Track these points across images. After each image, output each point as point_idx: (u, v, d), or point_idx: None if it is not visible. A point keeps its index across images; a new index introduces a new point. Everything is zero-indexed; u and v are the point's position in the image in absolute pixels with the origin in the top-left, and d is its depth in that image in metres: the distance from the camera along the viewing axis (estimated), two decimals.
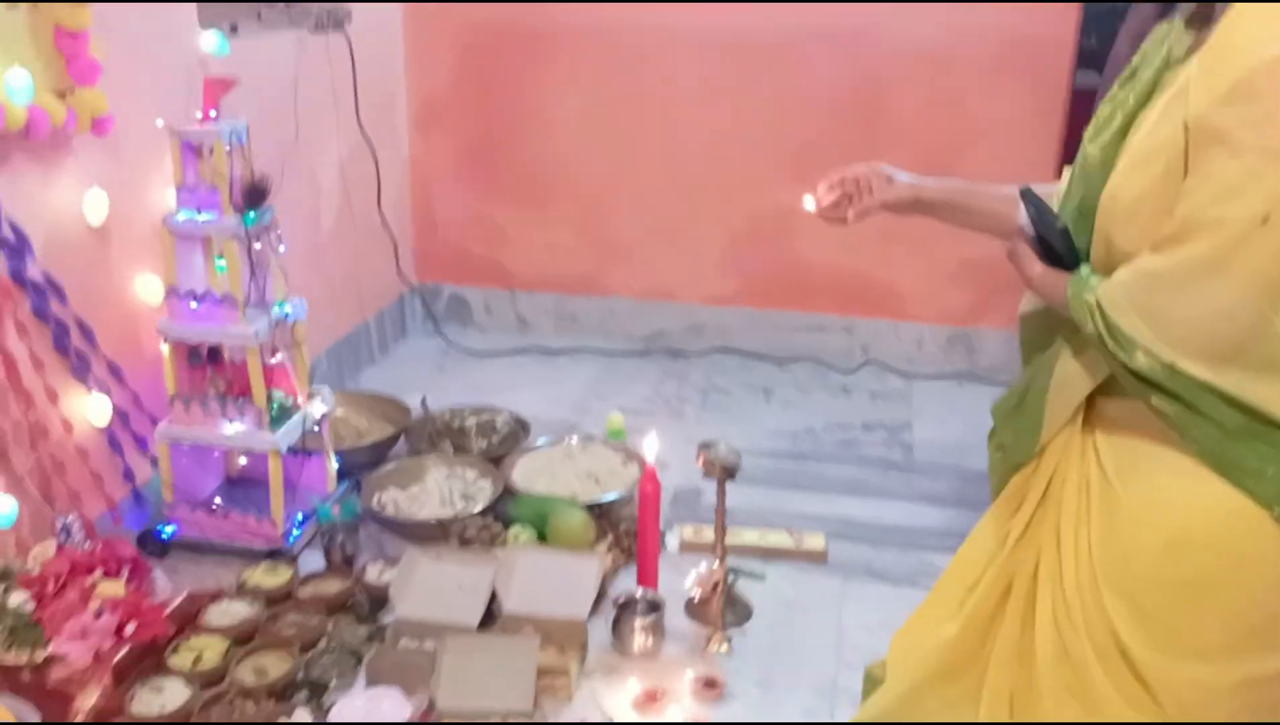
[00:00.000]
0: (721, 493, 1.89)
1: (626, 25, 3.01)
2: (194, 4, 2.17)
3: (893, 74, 2.93)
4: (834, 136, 3.00)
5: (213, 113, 1.96)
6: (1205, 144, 1.12)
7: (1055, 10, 2.79)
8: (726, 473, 1.86)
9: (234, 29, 2.41)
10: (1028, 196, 1.31)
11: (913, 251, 3.06)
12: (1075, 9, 2.78)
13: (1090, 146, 1.29)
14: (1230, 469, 1.18)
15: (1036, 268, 1.32)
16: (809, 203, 1.61)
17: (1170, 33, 1.26)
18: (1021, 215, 1.37)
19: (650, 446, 1.98)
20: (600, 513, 2.18)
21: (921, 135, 2.96)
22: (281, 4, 2.59)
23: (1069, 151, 2.89)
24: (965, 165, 2.91)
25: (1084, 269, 1.26)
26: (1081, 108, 2.94)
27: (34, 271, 1.81)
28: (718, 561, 1.90)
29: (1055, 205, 1.40)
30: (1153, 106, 1.23)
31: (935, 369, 3.16)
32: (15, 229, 1.76)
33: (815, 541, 2.18)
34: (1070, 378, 1.32)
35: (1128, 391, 1.24)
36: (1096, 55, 2.98)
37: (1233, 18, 1.14)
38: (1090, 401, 1.31)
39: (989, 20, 2.83)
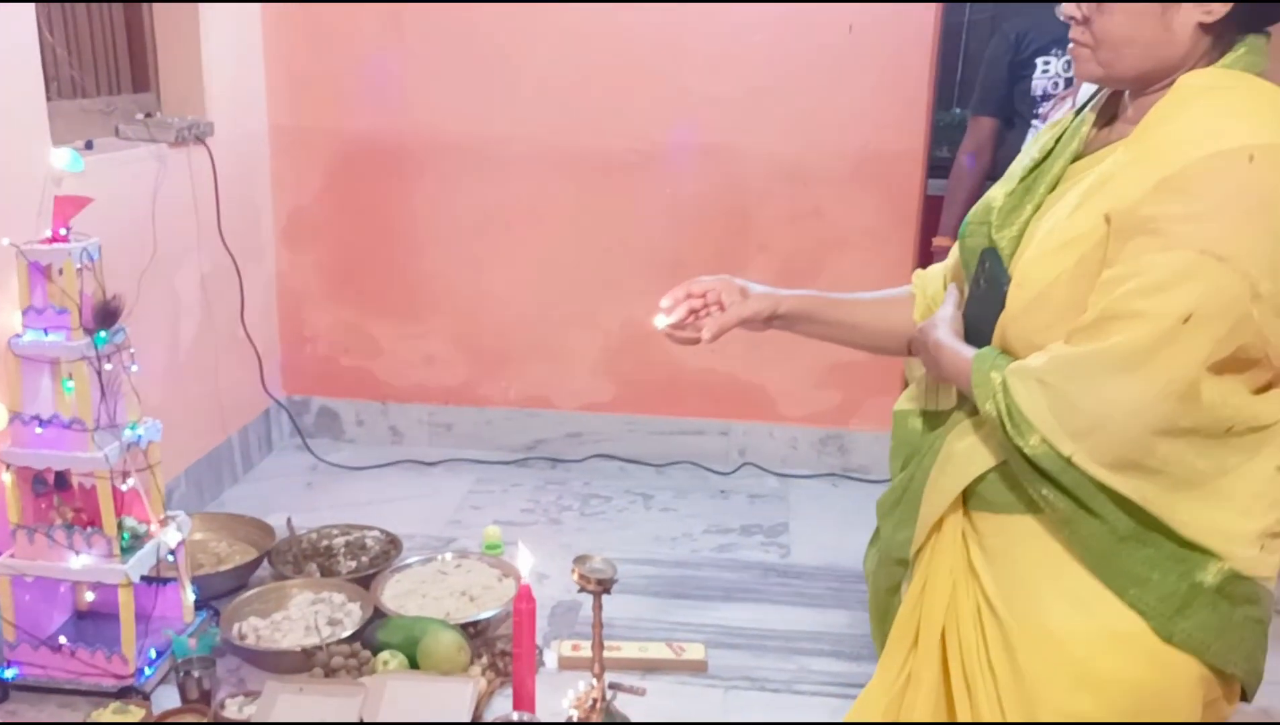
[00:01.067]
0: (598, 607, 1.86)
1: (494, 140, 3.05)
2: (45, 120, 2.11)
3: (756, 186, 3.04)
4: (702, 245, 3.08)
5: (63, 231, 1.90)
6: (1131, 234, 1.09)
7: (905, 125, 2.94)
8: (601, 587, 1.83)
9: (89, 145, 2.36)
10: (988, 257, 1.25)
11: (782, 354, 3.14)
12: (924, 123, 2.94)
13: (997, 236, 1.25)
14: (1115, 576, 1.15)
15: (946, 336, 1.28)
16: (660, 322, 1.51)
17: (1081, 126, 1.25)
18: (952, 292, 1.34)
19: (524, 561, 1.94)
20: (475, 632, 2.12)
21: (785, 244, 3.06)
22: (140, 118, 2.55)
23: (924, 255, 3.03)
24: (828, 271, 3.03)
25: (992, 348, 1.22)
26: (934, 214, 3.10)
27: None
28: (595, 679, 1.86)
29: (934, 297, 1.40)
30: (1061, 195, 1.21)
31: (810, 469, 3.21)
32: None
33: (695, 652, 2.16)
34: (955, 460, 1.28)
35: (1000, 504, 1.22)
36: (947, 164, 3.15)
37: (1167, 111, 1.13)
38: (969, 519, 1.28)
39: (844, 136, 2.97)
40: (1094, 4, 1.16)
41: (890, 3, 2.84)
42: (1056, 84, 2.62)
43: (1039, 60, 2.64)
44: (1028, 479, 1.16)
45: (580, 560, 1.87)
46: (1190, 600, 1.14)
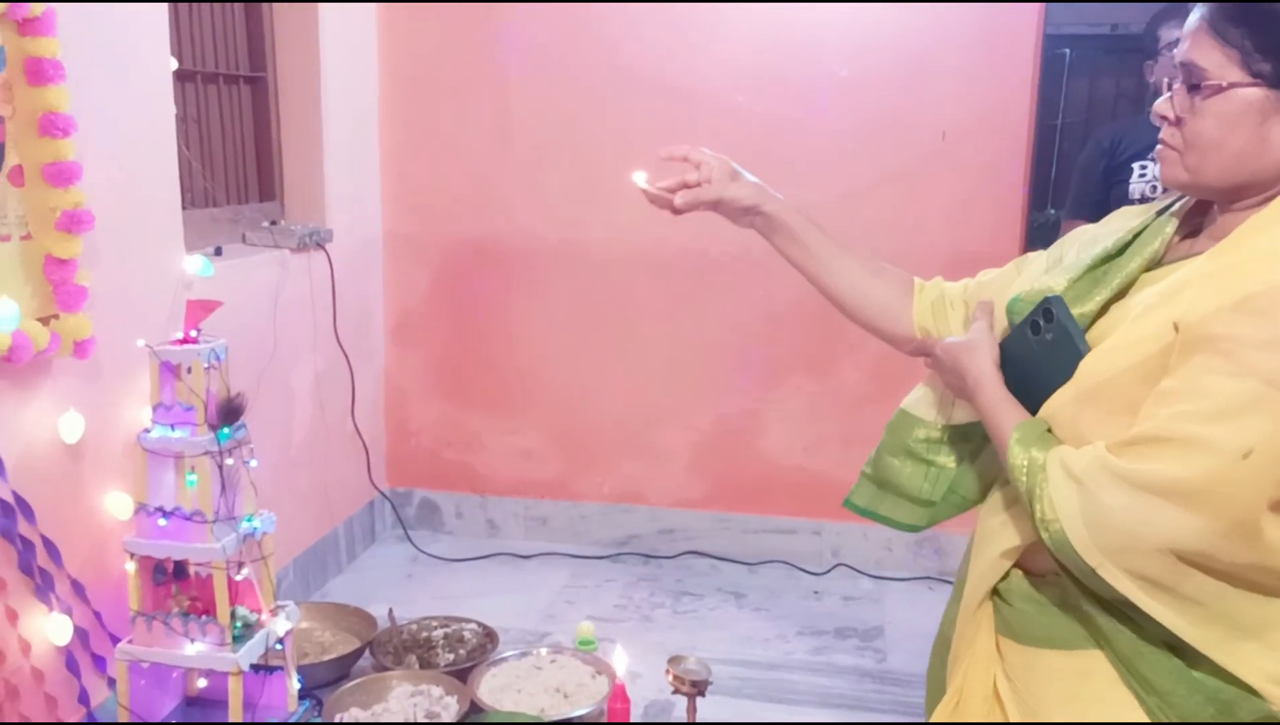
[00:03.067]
0: (692, 710, 1.87)
1: (591, 242, 3.16)
2: (180, 228, 2.27)
3: None
4: (794, 344, 3.11)
5: (193, 332, 2.03)
6: (1197, 349, 1.02)
7: (999, 227, 2.95)
8: (696, 689, 1.84)
9: (218, 251, 2.52)
10: (1058, 310, 1.17)
11: None
12: (1018, 225, 2.95)
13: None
14: (1141, 681, 1.09)
15: (993, 375, 1.20)
16: (639, 179, 1.47)
17: (1162, 230, 1.20)
18: (982, 316, 1.28)
19: (620, 661, 1.96)
20: None
21: (877, 345, 3.05)
22: (266, 225, 2.72)
23: None
24: (920, 371, 3.01)
25: (1040, 422, 1.15)
26: None
27: (4, 492, 1.82)
28: None
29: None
30: (1129, 299, 1.17)
31: (905, 572, 3.16)
32: None
33: None
34: (991, 536, 1.23)
35: (1026, 636, 1.18)
36: None
37: (1260, 226, 1.08)
38: (998, 645, 1.24)
39: (938, 238, 2.99)
40: (1188, 106, 1.11)
41: (983, 109, 2.88)
42: (1155, 188, 2.61)
43: (1136, 165, 2.64)
44: (1056, 561, 1.10)
45: (675, 661, 1.88)
46: None
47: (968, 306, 1.41)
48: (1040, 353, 1.18)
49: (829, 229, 1.52)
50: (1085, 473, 1.06)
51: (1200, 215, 1.20)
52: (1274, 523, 1.01)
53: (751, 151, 3.05)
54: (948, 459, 1.43)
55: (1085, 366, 1.12)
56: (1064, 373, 1.14)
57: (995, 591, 1.25)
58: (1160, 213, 1.24)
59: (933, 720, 1.30)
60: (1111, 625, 1.10)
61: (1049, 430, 1.15)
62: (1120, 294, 1.18)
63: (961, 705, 1.27)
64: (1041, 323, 1.19)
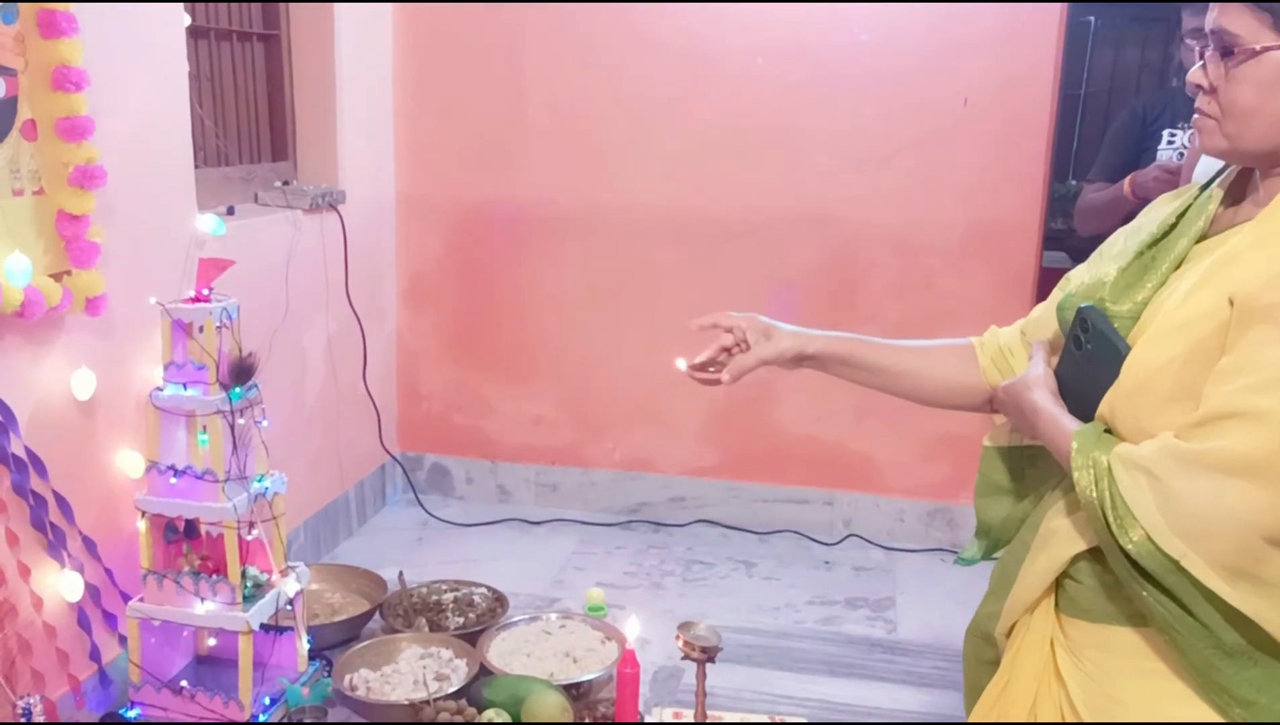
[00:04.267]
0: (701, 676, 1.86)
1: (605, 209, 3.13)
2: (193, 187, 2.25)
3: (865, 257, 3.04)
4: (810, 314, 3.07)
5: (205, 291, 2.02)
6: (1253, 321, 1.01)
7: (1020, 197, 2.92)
8: (706, 656, 1.83)
9: (231, 211, 2.50)
10: (1092, 317, 1.16)
11: (888, 425, 3.11)
12: (1039, 196, 2.91)
13: (1115, 307, 1.18)
14: (1219, 693, 1.06)
15: (1045, 399, 1.20)
16: (681, 365, 1.49)
17: (1207, 205, 1.19)
18: (1040, 350, 1.27)
19: (631, 628, 1.95)
20: (577, 694, 2.13)
21: (894, 314, 3.05)
22: (279, 185, 2.70)
23: None
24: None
25: (1097, 424, 1.14)
26: (1049, 287, 3.04)
27: (16, 447, 1.82)
28: None
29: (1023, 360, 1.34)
30: (1183, 276, 1.14)
31: (917, 543, 3.15)
32: (1, 405, 1.78)
33: None
34: (1053, 539, 1.20)
35: (1096, 613, 1.15)
36: (1062, 236, 3.10)
37: None
38: (1060, 624, 1.22)
39: (957, 207, 2.96)
40: (1222, 73, 1.10)
41: (1006, 76, 2.84)
42: (1182, 154, 2.57)
43: (1165, 132, 2.60)
44: (1127, 577, 1.07)
45: (685, 627, 1.87)
46: None
47: (1027, 345, 1.39)
48: (1087, 365, 1.17)
49: (876, 337, 1.53)
50: (1153, 462, 1.04)
51: (1244, 184, 1.18)
52: None
53: (769, 117, 3.03)
54: (1020, 481, 1.42)
55: (1136, 357, 1.10)
56: (1112, 377, 1.12)
57: (1065, 571, 1.22)
58: (1204, 189, 1.22)
59: (981, 702, 1.28)
60: (1184, 640, 1.06)
61: (1107, 431, 1.13)
62: (1172, 272, 1.17)
63: (1011, 686, 1.25)
64: (1081, 336, 1.18)
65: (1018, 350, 1.41)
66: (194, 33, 2.40)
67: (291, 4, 2.81)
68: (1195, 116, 1.16)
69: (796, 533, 3.20)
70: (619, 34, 3.02)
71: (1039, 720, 1.20)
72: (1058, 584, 1.23)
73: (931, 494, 3.15)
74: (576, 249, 3.19)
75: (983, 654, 1.36)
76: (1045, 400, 1.20)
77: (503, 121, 3.14)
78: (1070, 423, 1.16)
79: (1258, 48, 1.07)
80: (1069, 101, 2.93)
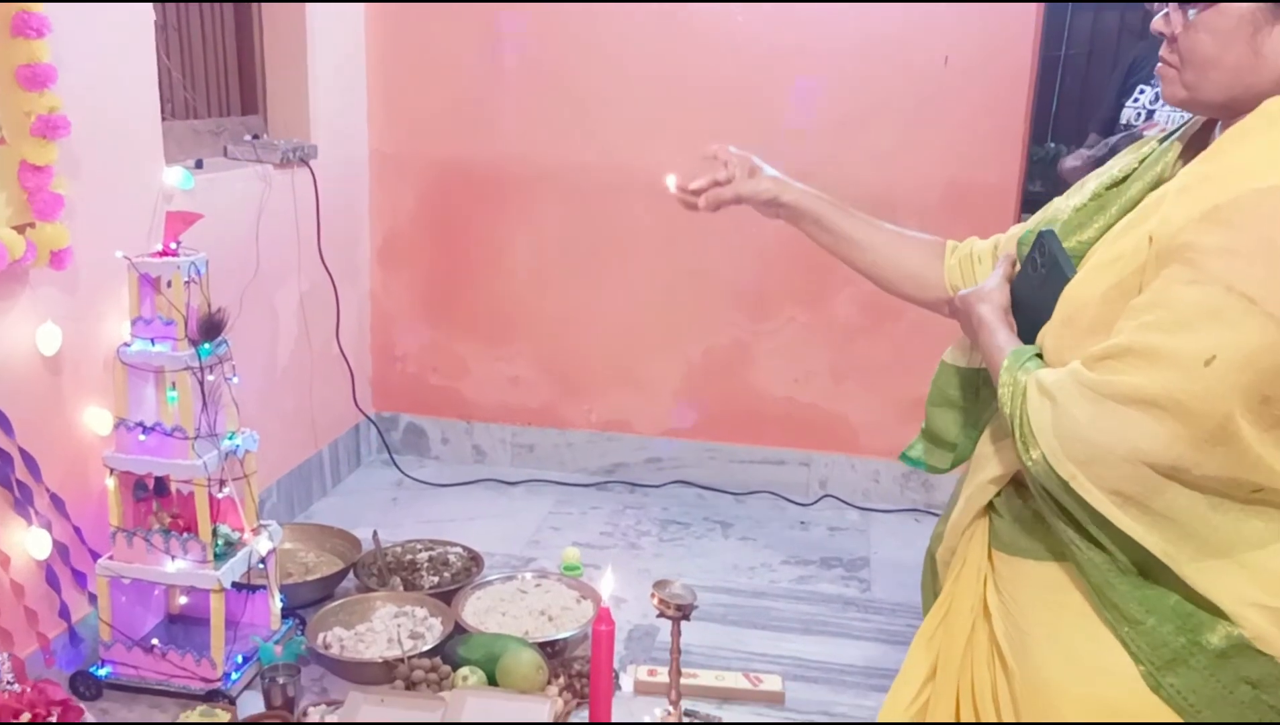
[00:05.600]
0: (676, 634, 1.86)
1: (582, 168, 3.09)
2: (160, 140, 2.20)
3: None
4: (786, 275, 3.07)
5: (173, 246, 1.98)
6: (1167, 260, 1.03)
7: (999, 158, 2.91)
8: (681, 613, 1.83)
9: (199, 164, 2.45)
10: (1048, 241, 1.20)
11: (865, 387, 3.11)
12: (1018, 157, 2.90)
13: (1064, 244, 1.22)
14: (1111, 610, 1.09)
15: (990, 313, 1.23)
16: (670, 182, 1.54)
17: (1165, 154, 1.20)
18: (1002, 264, 1.31)
19: (606, 585, 1.95)
20: (553, 652, 2.13)
21: None
22: (248, 139, 2.65)
23: None
24: (912, 306, 2.98)
25: (1030, 347, 1.18)
26: None
27: None
28: (672, 706, 1.86)
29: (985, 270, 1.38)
30: (1129, 221, 1.17)
31: (892, 503, 3.17)
32: None
33: (773, 683, 2.14)
34: (985, 461, 1.25)
35: (1015, 547, 1.19)
36: (1040, 199, 3.09)
37: (1237, 136, 1.08)
38: (990, 559, 1.26)
39: (935, 168, 2.94)
40: (1182, 20, 1.11)
41: (986, 35, 2.82)
42: (1140, 115, 2.56)
43: (1136, 87, 2.59)
44: (1036, 491, 1.12)
45: (660, 585, 1.87)
46: (1186, 657, 1.06)
47: (996, 259, 1.44)
48: (1039, 287, 1.20)
49: (857, 207, 1.55)
50: (1056, 387, 1.08)
51: (1205, 136, 1.19)
52: (1252, 433, 1.01)
53: (747, 75, 3.00)
54: (972, 401, 1.45)
55: (1068, 292, 1.14)
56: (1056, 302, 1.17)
57: (990, 505, 1.27)
58: (1166, 139, 1.24)
59: (922, 626, 1.34)
60: (1083, 556, 1.11)
61: (1038, 356, 1.16)
62: (1120, 217, 1.19)
63: (949, 616, 1.30)
64: (1038, 257, 1.21)
65: (986, 259, 1.46)
66: None
67: None
68: (1159, 65, 1.17)
69: (772, 493, 3.21)
70: None
71: (974, 654, 1.25)
72: (990, 520, 1.28)
73: None
74: (553, 207, 3.15)
75: (934, 580, 1.42)
76: (991, 314, 1.24)
77: (478, 77, 3.09)
78: (1007, 341, 1.20)
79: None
80: (1049, 63, 2.91)
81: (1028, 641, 1.17)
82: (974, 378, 1.43)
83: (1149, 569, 1.08)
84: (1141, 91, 2.56)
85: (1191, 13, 1.10)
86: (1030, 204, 3.15)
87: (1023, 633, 1.18)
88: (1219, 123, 1.17)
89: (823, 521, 3.06)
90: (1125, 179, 1.22)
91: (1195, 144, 1.20)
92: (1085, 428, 1.05)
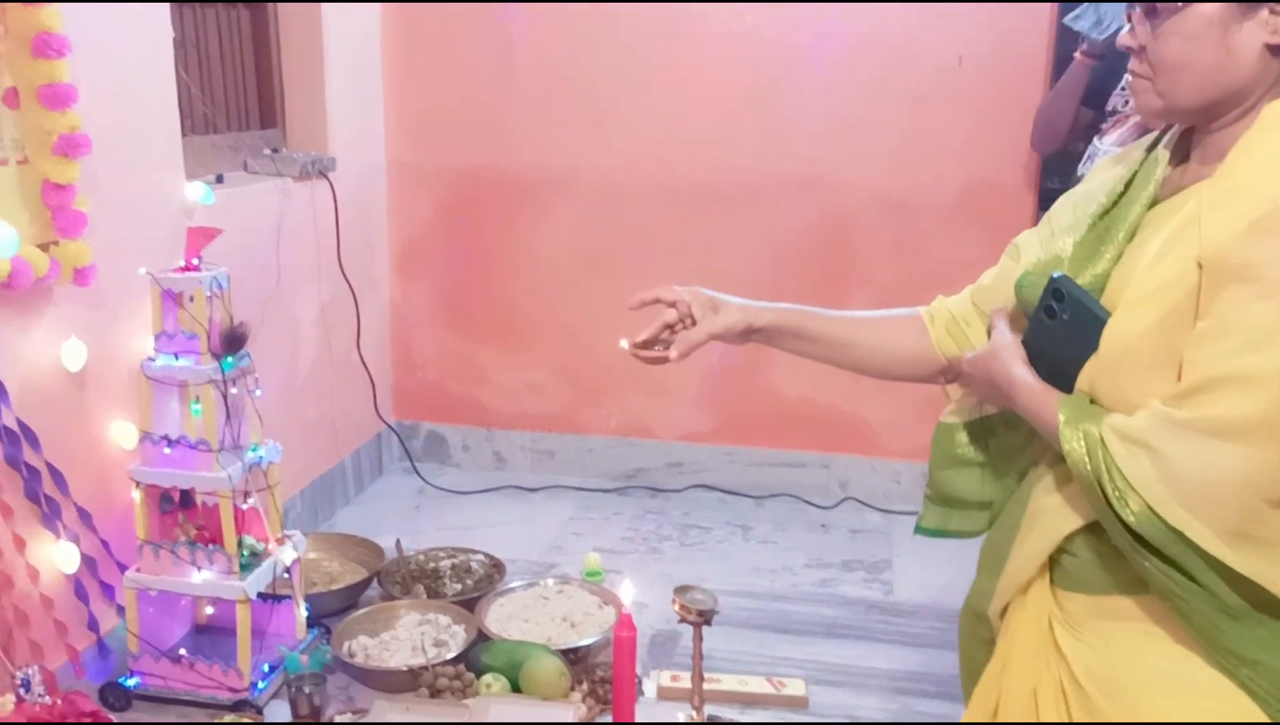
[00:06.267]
0: (698, 639, 1.87)
1: (597, 173, 3.11)
2: (180, 156, 2.23)
3: (859, 219, 3.03)
4: (803, 277, 3.07)
5: (195, 261, 2.00)
6: (1225, 282, 1.00)
7: (1015, 156, 2.90)
8: (702, 618, 1.84)
9: (219, 179, 2.48)
10: (1066, 286, 1.15)
11: (884, 388, 3.07)
12: (1035, 156, 2.89)
13: (1080, 279, 1.16)
14: (1224, 655, 1.05)
15: (1023, 372, 1.18)
16: (624, 344, 1.47)
17: (1155, 168, 1.18)
18: (1000, 320, 1.26)
19: (627, 592, 1.96)
20: (575, 658, 2.14)
21: (886, 276, 3.03)
22: (267, 153, 2.68)
23: None
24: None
25: (1081, 396, 1.12)
26: None
27: (8, 419, 1.81)
28: (695, 711, 1.86)
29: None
30: (1141, 244, 1.14)
31: (914, 505, 3.15)
32: None
33: (796, 687, 2.14)
34: (1044, 517, 1.18)
35: (1092, 584, 1.14)
36: (1057, 197, 3.07)
37: (1252, 144, 1.06)
38: (1056, 598, 1.20)
39: (951, 167, 2.94)
40: (1149, 30, 1.10)
41: (1000, 33, 2.81)
42: (1126, 101, 2.52)
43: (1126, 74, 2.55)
44: (1128, 548, 1.06)
45: (681, 590, 1.88)
46: None
47: (981, 314, 1.38)
48: (1063, 334, 1.15)
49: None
50: (1147, 432, 1.03)
51: (1188, 144, 1.17)
52: None
53: (759, 79, 3.00)
54: (995, 453, 1.40)
55: (1113, 327, 1.09)
56: (1091, 345, 1.11)
57: (1060, 547, 1.20)
58: (1149, 151, 1.21)
59: (981, 685, 1.27)
60: (1186, 604, 1.06)
61: (1093, 401, 1.11)
62: (1128, 242, 1.16)
63: (1009, 666, 1.24)
64: (1054, 305, 1.16)
65: (972, 319, 1.39)
66: None
67: None
68: (1129, 79, 1.16)
69: (793, 496, 3.21)
70: None
71: (1040, 699, 1.19)
72: (1052, 559, 1.22)
73: (927, 456, 3.14)
74: (569, 214, 3.17)
75: (979, 632, 1.34)
76: (1022, 372, 1.19)
77: (493, 86, 3.11)
78: (1053, 395, 1.15)
79: (1179, 3, 1.08)
80: (1064, 61, 2.90)
81: (1125, 675, 1.13)
82: (981, 429, 1.38)
83: (1262, 606, 1.04)
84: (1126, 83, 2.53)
85: (1159, 22, 1.09)
86: (1047, 201, 3.13)
87: (1119, 669, 1.14)
88: (1196, 130, 1.16)
89: (844, 524, 3.06)
90: (1118, 202, 1.20)
91: (1179, 153, 1.18)
92: (1192, 469, 1.00)
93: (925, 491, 1.50)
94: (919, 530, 1.50)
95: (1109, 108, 2.53)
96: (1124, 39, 1.15)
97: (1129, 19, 1.15)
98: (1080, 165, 2.56)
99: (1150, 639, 1.12)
